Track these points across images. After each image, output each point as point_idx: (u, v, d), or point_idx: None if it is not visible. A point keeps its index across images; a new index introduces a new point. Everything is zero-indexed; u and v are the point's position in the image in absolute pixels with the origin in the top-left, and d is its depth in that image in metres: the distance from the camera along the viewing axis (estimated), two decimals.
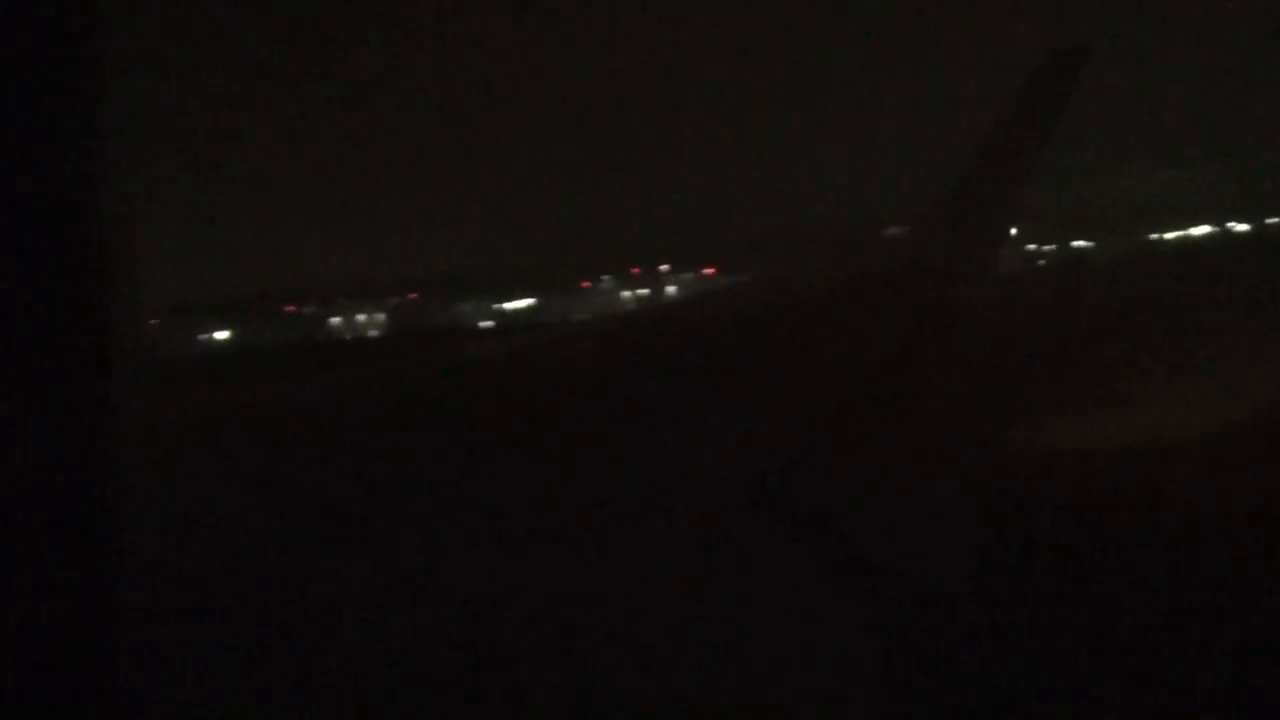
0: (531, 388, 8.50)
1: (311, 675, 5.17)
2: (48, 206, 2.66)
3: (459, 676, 5.28)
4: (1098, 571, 6.69)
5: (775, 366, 8.84)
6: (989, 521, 7.03)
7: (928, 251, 10.54)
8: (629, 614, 5.75)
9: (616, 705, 5.20)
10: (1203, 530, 7.04)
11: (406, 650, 5.39)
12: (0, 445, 2.62)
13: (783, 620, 5.86)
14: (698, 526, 6.59)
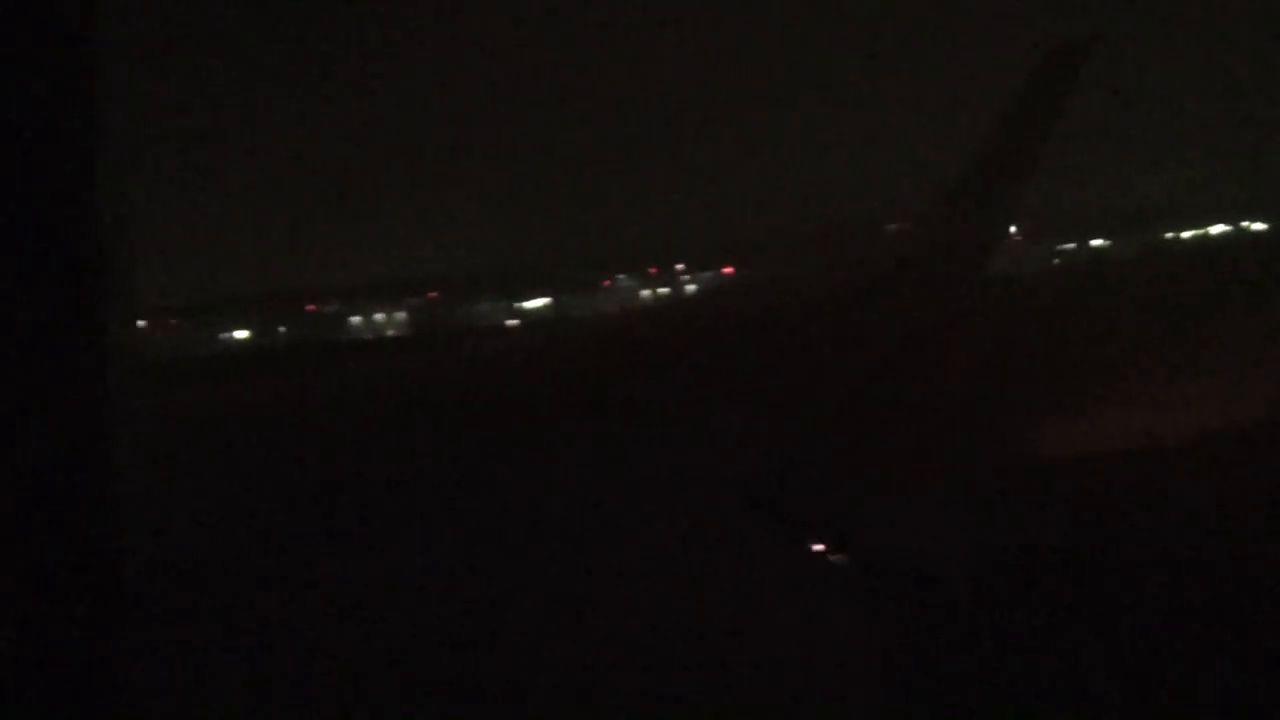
0: (531, 387, 8.50)
1: (311, 675, 5.17)
2: (46, 206, 2.66)
3: (459, 676, 5.28)
4: (1097, 571, 6.70)
5: (775, 366, 8.83)
6: (989, 522, 7.03)
7: (927, 249, 10.53)
8: (629, 614, 5.75)
9: (616, 705, 5.20)
10: (1203, 530, 7.05)
11: (406, 650, 5.39)
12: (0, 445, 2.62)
13: (783, 620, 5.85)
14: (698, 526, 6.59)
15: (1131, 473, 8.10)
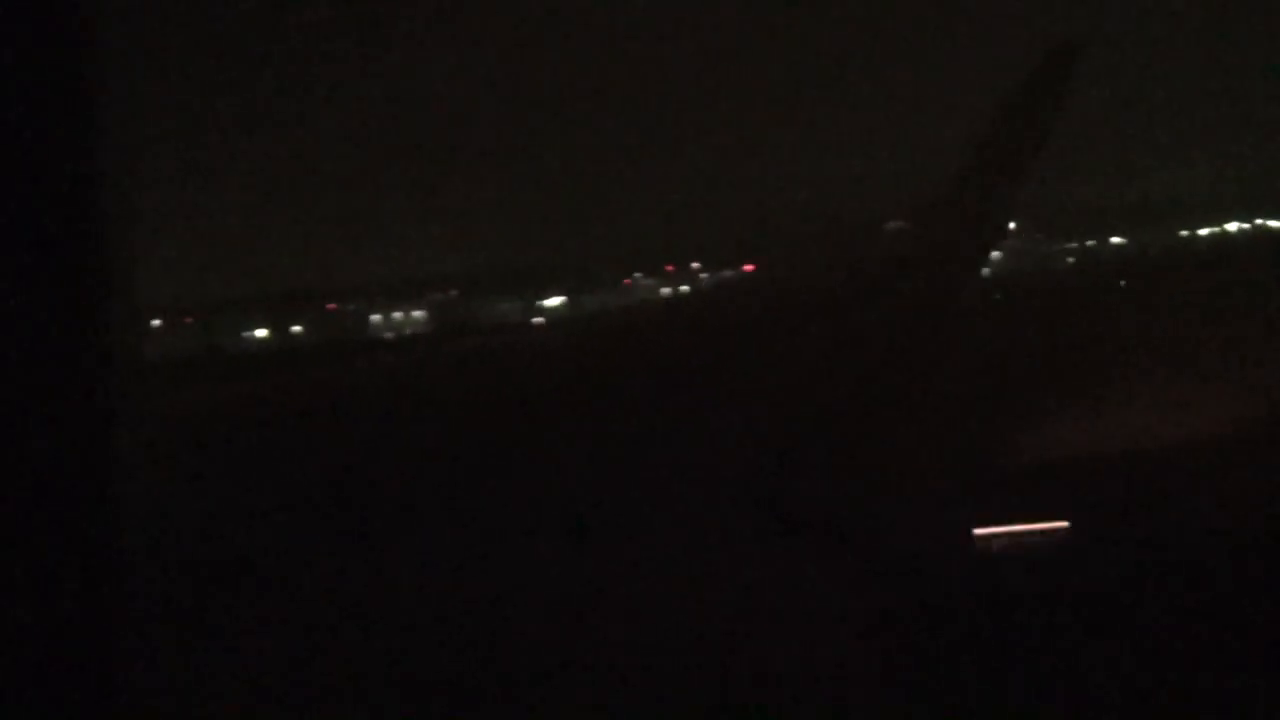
0: (530, 387, 8.50)
1: (312, 675, 5.17)
2: (47, 206, 2.66)
3: (459, 676, 5.28)
4: (1096, 571, 6.70)
5: (775, 365, 8.83)
6: (988, 522, 7.03)
7: (926, 249, 10.53)
8: (629, 614, 5.75)
9: (617, 705, 5.20)
10: (1202, 531, 7.04)
11: (407, 650, 5.39)
12: None
13: (783, 620, 5.86)
14: (698, 526, 6.59)
15: (1131, 473, 8.10)
